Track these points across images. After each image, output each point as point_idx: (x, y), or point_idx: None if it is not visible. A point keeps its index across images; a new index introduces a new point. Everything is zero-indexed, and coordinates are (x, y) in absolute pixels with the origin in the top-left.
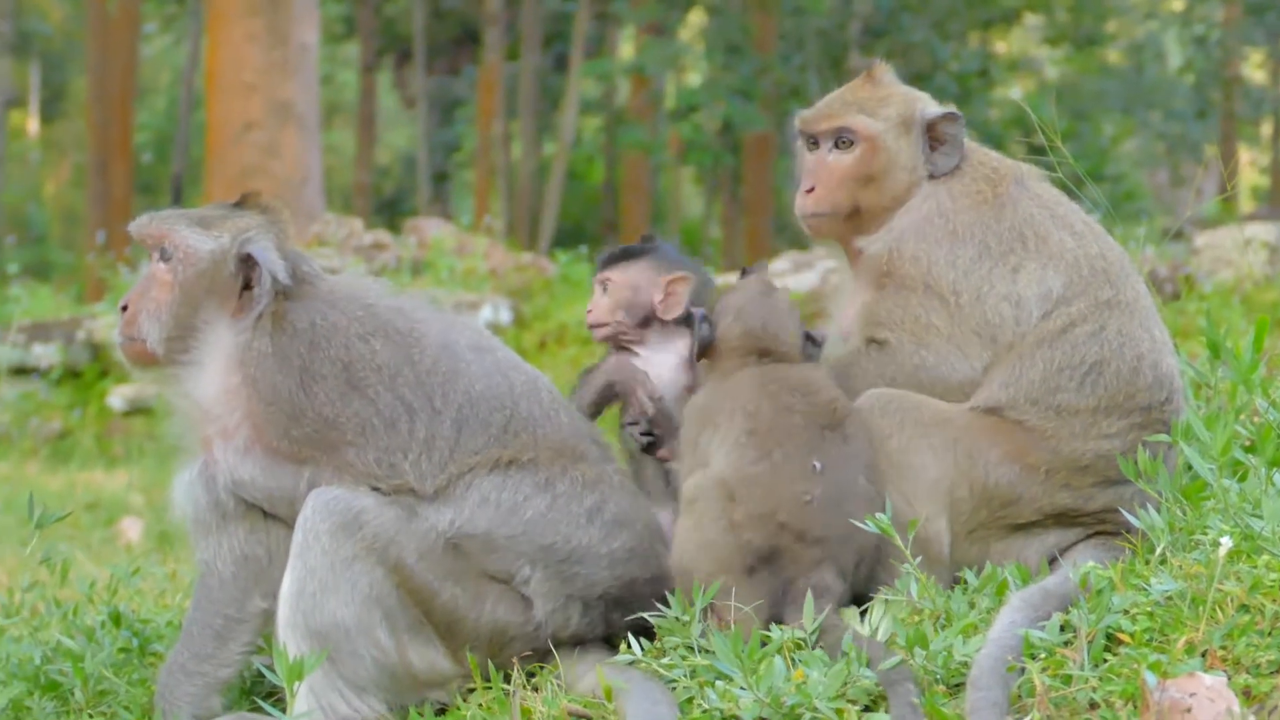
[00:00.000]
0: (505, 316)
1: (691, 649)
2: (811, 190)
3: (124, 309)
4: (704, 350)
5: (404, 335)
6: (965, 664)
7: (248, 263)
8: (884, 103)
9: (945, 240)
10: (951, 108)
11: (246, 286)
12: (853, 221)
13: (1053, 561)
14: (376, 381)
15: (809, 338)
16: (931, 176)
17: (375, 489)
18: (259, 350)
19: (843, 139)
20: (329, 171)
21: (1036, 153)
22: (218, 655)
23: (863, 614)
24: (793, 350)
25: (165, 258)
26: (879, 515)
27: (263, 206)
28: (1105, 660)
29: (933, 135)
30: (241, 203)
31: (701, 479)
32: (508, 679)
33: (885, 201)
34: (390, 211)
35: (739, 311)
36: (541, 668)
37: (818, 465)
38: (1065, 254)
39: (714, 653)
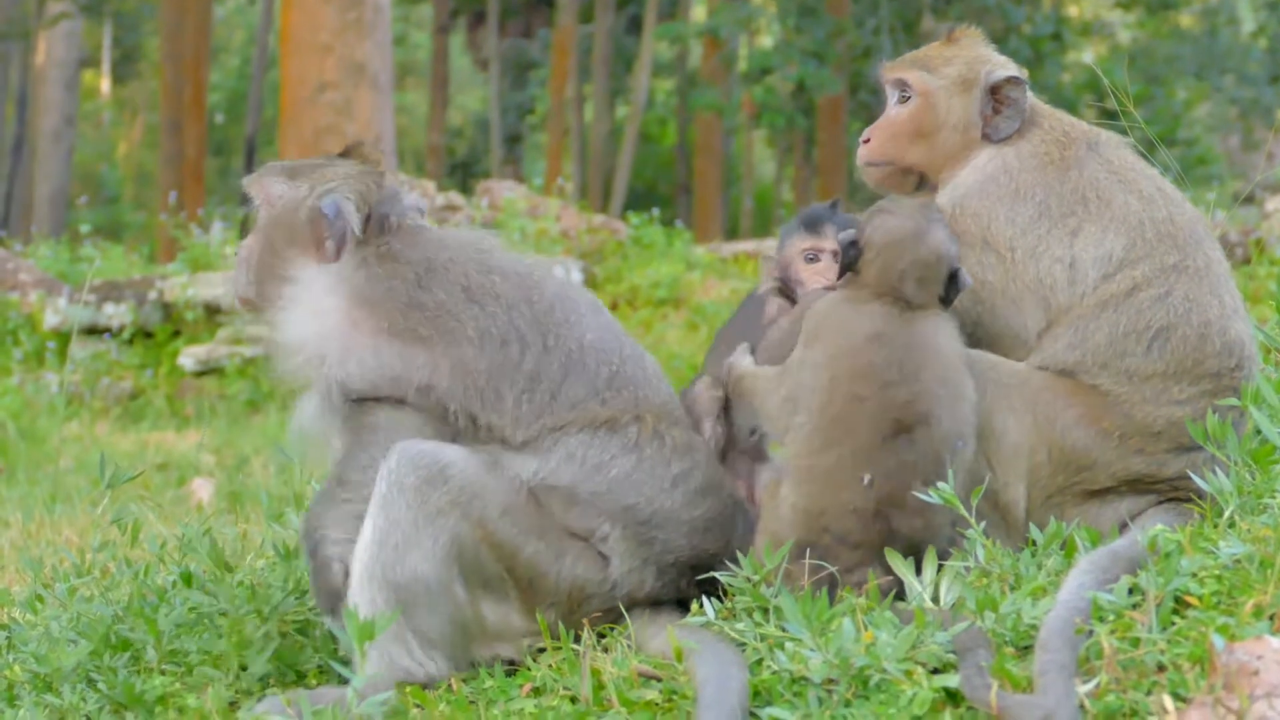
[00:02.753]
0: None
1: (764, 611)
2: (868, 141)
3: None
4: (846, 271)
5: (522, 277)
6: (1034, 626)
7: (322, 213)
8: (948, 62)
9: (1007, 198)
10: (1016, 71)
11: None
12: (911, 178)
13: (1124, 527)
14: (495, 308)
15: (953, 278)
16: (989, 139)
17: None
18: (368, 274)
19: (902, 92)
20: (401, 133)
21: (1108, 117)
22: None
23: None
24: (927, 301)
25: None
26: (941, 485)
27: (364, 156)
28: (1173, 623)
29: (996, 98)
30: (346, 153)
31: (783, 458)
32: (578, 640)
33: (937, 159)
34: (463, 173)
35: (885, 248)
36: (612, 629)
37: (866, 479)
38: (1129, 217)
39: (784, 614)
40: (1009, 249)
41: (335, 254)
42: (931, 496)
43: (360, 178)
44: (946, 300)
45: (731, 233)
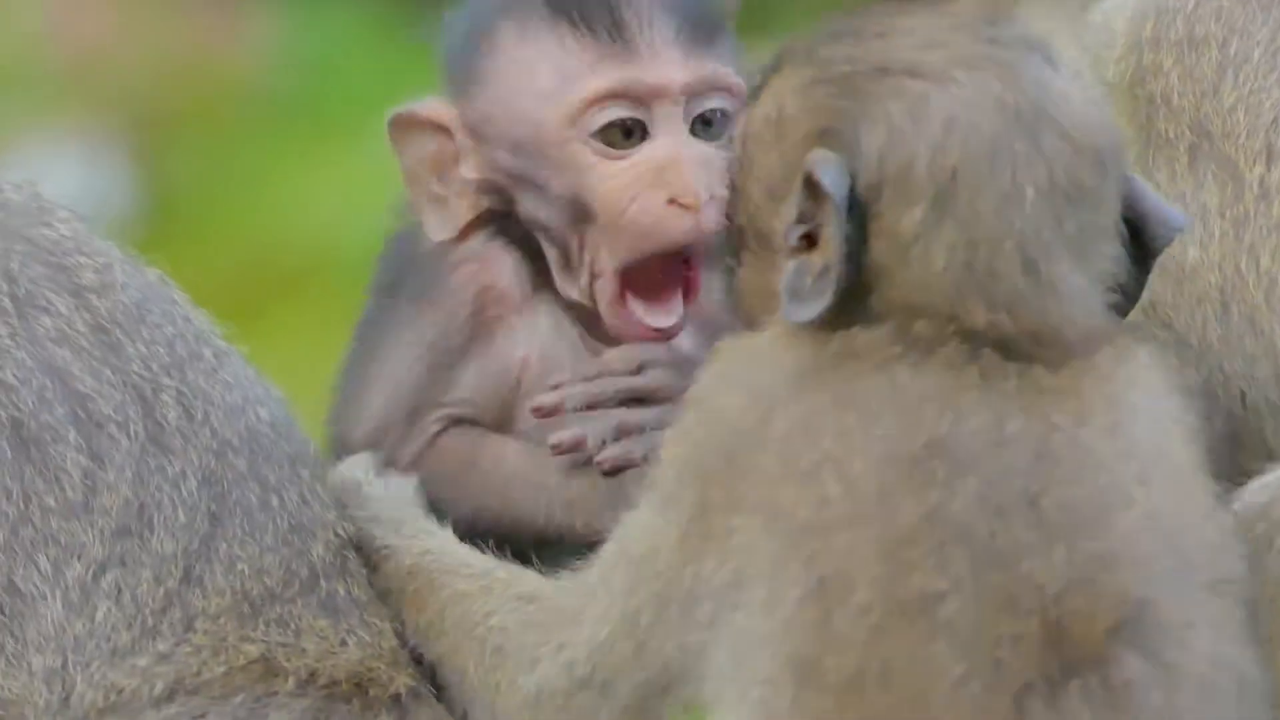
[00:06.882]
0: (116, 185)
1: None
2: None
3: None
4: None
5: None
6: None
7: None
8: None
9: None
10: None
11: None
12: None
13: None
14: None
15: (1135, 221)
16: None
17: None
18: None
19: None
20: None
21: None
22: None
23: None
24: (1085, 316)
25: None
26: None
27: None
28: None
29: None
30: None
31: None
32: None
33: None
34: None
35: (959, 189)
36: None
37: None
38: None
39: None
40: (1263, 148)
41: None
42: None
43: None
44: (1132, 294)
45: None
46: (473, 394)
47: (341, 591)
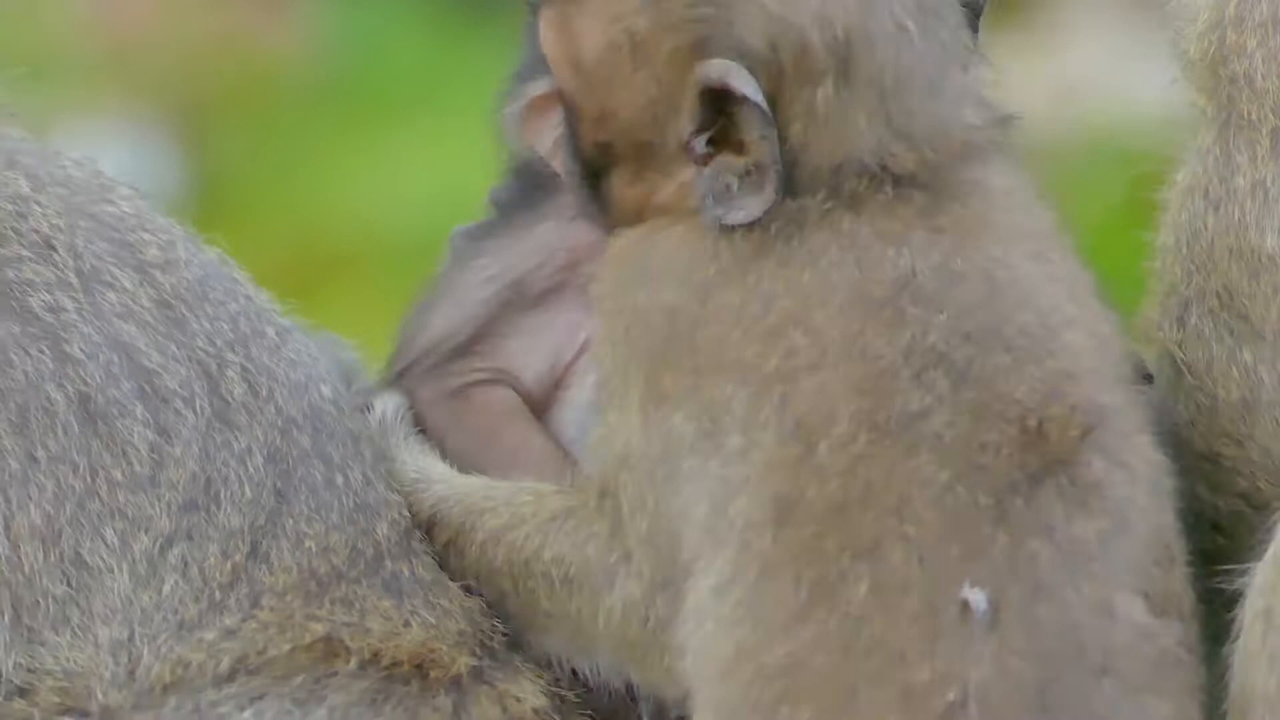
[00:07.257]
0: (161, 170)
1: None
2: None
3: None
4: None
5: (88, 192)
6: None
7: None
8: None
9: None
10: None
11: None
12: None
13: None
14: (41, 284)
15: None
16: None
17: None
18: None
19: None
20: None
21: None
22: None
23: None
24: (980, 130)
25: None
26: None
27: None
28: None
29: None
30: None
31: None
32: None
33: None
34: None
35: (839, 42)
36: None
37: (975, 601)
38: None
39: None
40: None
41: None
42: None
43: None
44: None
45: None
46: (524, 354)
47: (406, 572)
